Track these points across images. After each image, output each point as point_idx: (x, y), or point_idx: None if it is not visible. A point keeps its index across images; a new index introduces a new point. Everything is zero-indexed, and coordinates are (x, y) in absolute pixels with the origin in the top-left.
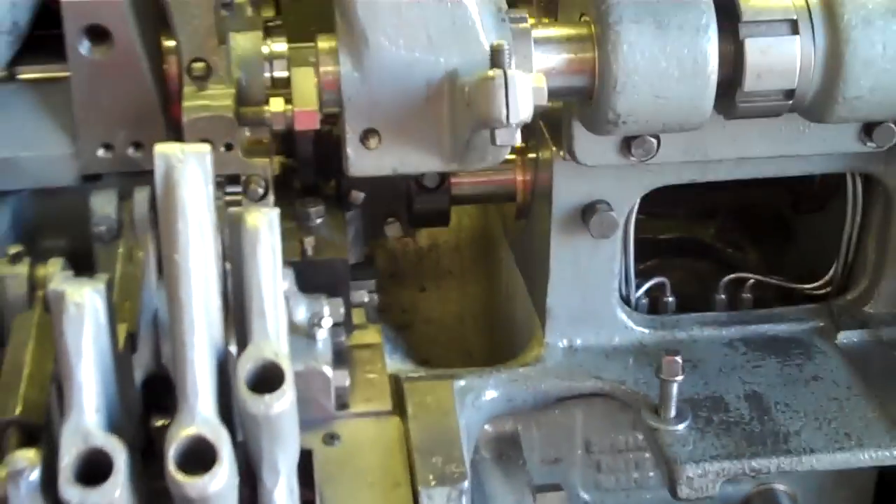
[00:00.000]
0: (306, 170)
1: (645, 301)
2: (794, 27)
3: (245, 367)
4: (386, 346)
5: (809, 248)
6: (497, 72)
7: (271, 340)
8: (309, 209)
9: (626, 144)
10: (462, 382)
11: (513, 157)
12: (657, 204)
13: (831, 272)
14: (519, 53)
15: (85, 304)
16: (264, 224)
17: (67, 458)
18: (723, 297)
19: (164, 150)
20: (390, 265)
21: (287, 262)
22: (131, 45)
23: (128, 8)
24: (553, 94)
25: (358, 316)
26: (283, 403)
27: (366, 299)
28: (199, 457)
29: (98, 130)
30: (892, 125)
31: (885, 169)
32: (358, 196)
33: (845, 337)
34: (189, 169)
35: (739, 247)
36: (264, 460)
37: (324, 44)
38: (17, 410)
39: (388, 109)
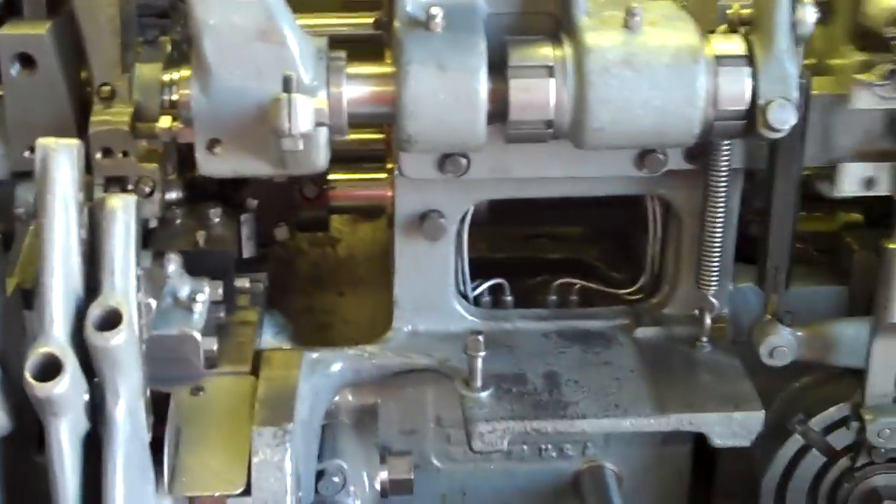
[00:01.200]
0: (207, 179)
1: (489, 298)
2: (550, 72)
3: (93, 311)
4: (272, 329)
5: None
6: (283, 95)
7: (116, 292)
8: (208, 210)
9: (442, 162)
10: (313, 355)
11: (383, 175)
12: (553, 225)
13: (641, 281)
14: (333, 84)
15: None
16: (119, 205)
17: None
18: (553, 297)
19: (44, 142)
20: (313, 272)
21: (179, 251)
22: (52, 71)
23: (50, 41)
24: (364, 117)
25: (244, 300)
26: (119, 339)
27: (248, 285)
28: (53, 372)
29: (25, 137)
30: (660, 155)
31: (673, 193)
32: (252, 203)
33: (642, 332)
34: (60, 155)
35: (615, 266)
36: (107, 384)
37: (182, 73)
38: None
39: (227, 124)
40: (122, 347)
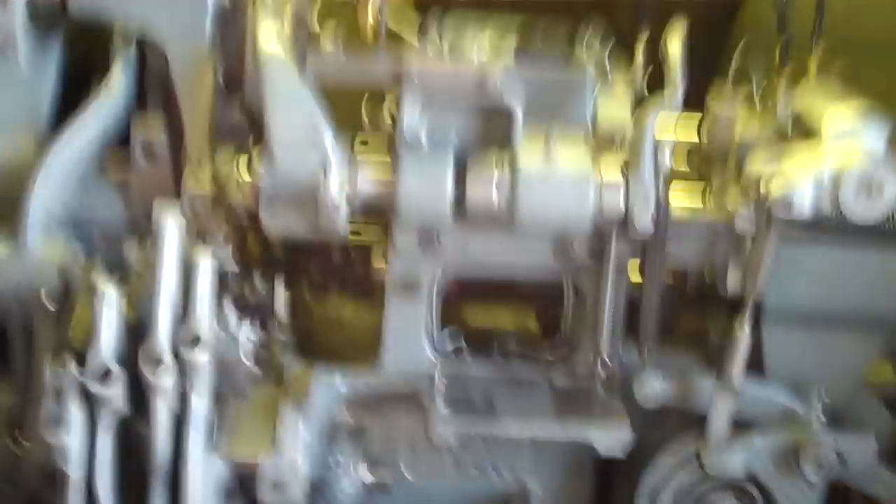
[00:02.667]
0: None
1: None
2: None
3: (183, 333)
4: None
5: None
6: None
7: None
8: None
9: (421, 240)
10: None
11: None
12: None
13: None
14: (351, 175)
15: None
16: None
17: None
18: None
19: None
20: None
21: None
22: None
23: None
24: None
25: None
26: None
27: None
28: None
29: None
30: (570, 253)
31: (580, 280)
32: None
33: (557, 379)
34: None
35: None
36: (191, 381)
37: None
38: None
39: (283, 196)
40: (203, 363)
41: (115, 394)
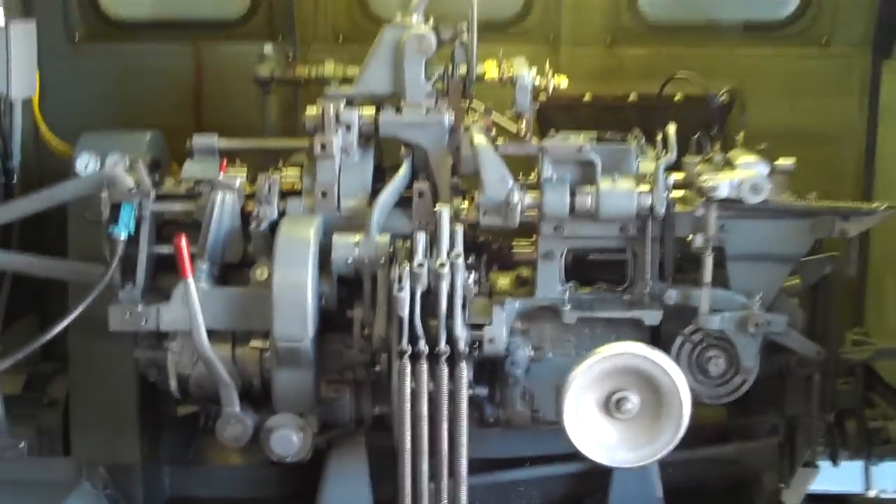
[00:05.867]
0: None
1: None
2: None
3: None
4: None
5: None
6: (511, 192)
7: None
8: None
9: (554, 229)
10: (508, 297)
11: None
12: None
13: (626, 283)
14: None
15: None
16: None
17: None
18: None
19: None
20: None
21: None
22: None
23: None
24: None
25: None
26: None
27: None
28: None
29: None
30: (629, 229)
31: (634, 245)
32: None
33: (626, 297)
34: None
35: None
36: None
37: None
38: None
39: (489, 208)
40: (460, 263)
41: (423, 272)
